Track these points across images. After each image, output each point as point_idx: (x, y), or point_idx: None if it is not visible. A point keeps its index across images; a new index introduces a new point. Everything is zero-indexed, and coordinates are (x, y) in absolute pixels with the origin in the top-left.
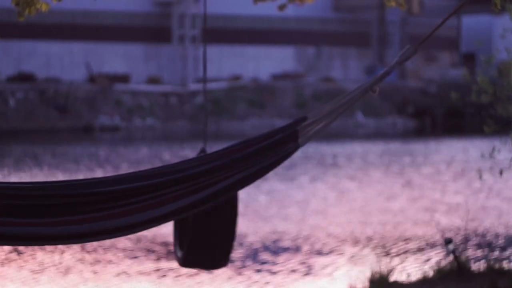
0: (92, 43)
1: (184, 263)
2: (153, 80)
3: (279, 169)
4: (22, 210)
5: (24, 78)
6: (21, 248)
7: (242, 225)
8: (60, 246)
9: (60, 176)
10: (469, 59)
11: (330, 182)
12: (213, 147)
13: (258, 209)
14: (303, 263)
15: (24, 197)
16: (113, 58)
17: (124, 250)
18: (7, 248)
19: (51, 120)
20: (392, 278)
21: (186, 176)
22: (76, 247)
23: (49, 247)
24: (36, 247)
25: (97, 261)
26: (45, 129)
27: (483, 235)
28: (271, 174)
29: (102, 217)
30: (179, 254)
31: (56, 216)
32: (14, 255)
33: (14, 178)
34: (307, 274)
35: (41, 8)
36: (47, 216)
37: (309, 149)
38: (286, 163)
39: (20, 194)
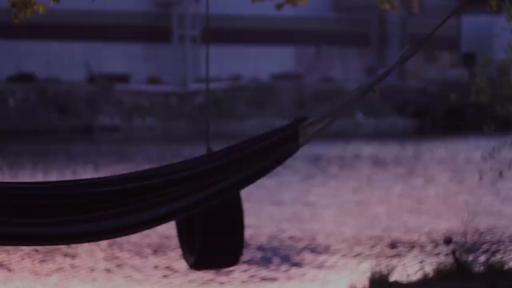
0: (92, 43)
1: (195, 266)
2: (153, 80)
3: (344, 168)
4: (23, 210)
5: (24, 78)
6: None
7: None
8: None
9: (61, 176)
10: (469, 59)
11: (399, 180)
12: (213, 147)
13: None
14: (302, 262)
15: (26, 197)
16: (113, 58)
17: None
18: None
19: (51, 120)
20: (392, 278)
21: (187, 176)
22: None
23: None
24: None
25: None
26: (45, 129)
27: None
28: (334, 171)
29: (103, 216)
30: (190, 258)
31: (58, 216)
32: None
33: (14, 178)
34: (306, 273)
35: (38, 9)
36: (48, 216)
37: (347, 148)
38: (339, 161)
39: (20, 194)
